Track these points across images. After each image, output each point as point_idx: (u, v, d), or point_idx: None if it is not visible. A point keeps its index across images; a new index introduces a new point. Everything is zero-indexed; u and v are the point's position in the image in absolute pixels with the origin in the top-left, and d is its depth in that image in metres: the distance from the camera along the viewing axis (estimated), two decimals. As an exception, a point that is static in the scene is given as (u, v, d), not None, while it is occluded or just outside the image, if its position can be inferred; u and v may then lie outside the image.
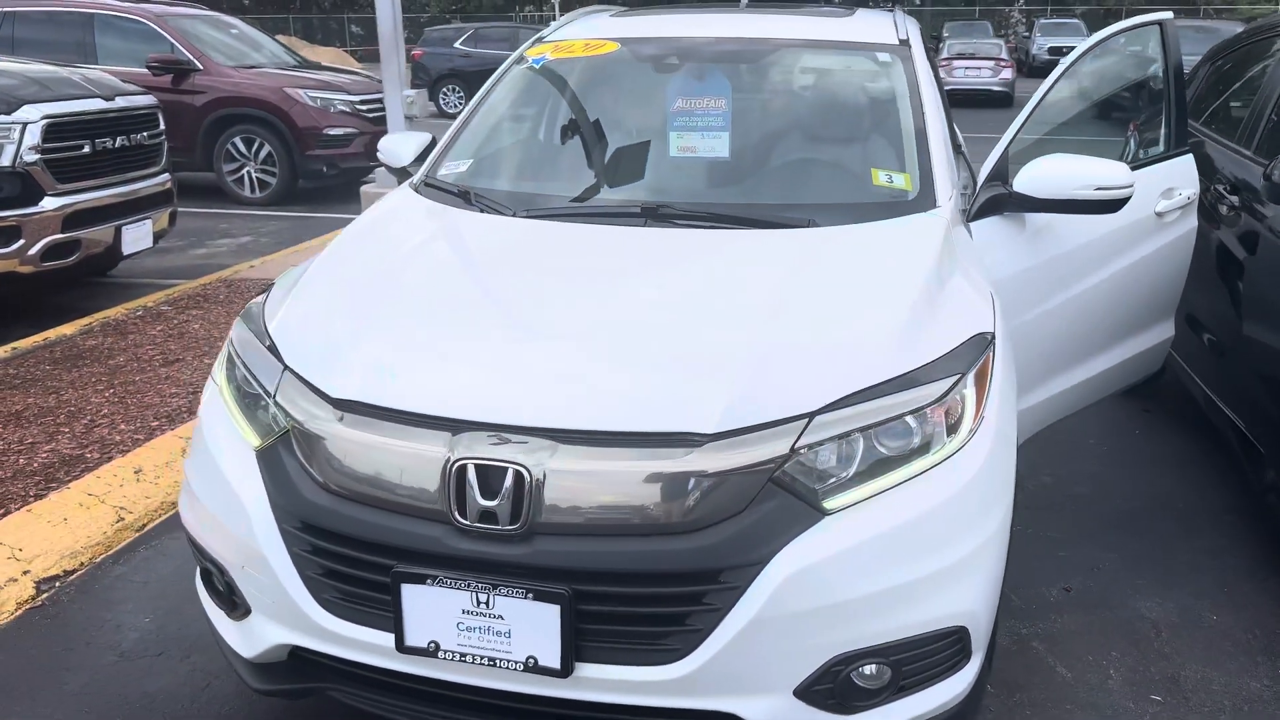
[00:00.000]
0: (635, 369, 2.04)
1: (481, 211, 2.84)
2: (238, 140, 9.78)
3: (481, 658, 1.93)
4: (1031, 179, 2.86)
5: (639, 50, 3.42)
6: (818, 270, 2.38)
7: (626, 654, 1.89)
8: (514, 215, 2.79)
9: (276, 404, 2.15)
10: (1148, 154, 3.58)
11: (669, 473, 1.87)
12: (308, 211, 9.67)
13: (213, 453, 2.24)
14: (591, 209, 2.81)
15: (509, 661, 1.92)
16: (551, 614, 1.87)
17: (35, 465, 3.82)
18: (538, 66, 3.47)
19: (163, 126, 6.55)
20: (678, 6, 4.10)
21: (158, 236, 6.49)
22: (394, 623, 1.96)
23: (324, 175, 9.96)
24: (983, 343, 2.21)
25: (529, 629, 1.89)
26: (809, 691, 1.91)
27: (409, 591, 1.93)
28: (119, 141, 6.00)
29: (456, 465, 1.90)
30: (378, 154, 3.54)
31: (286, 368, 2.20)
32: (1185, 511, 3.66)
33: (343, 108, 9.96)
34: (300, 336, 2.27)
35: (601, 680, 1.90)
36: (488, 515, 1.89)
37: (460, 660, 1.94)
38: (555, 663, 1.89)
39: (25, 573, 3.14)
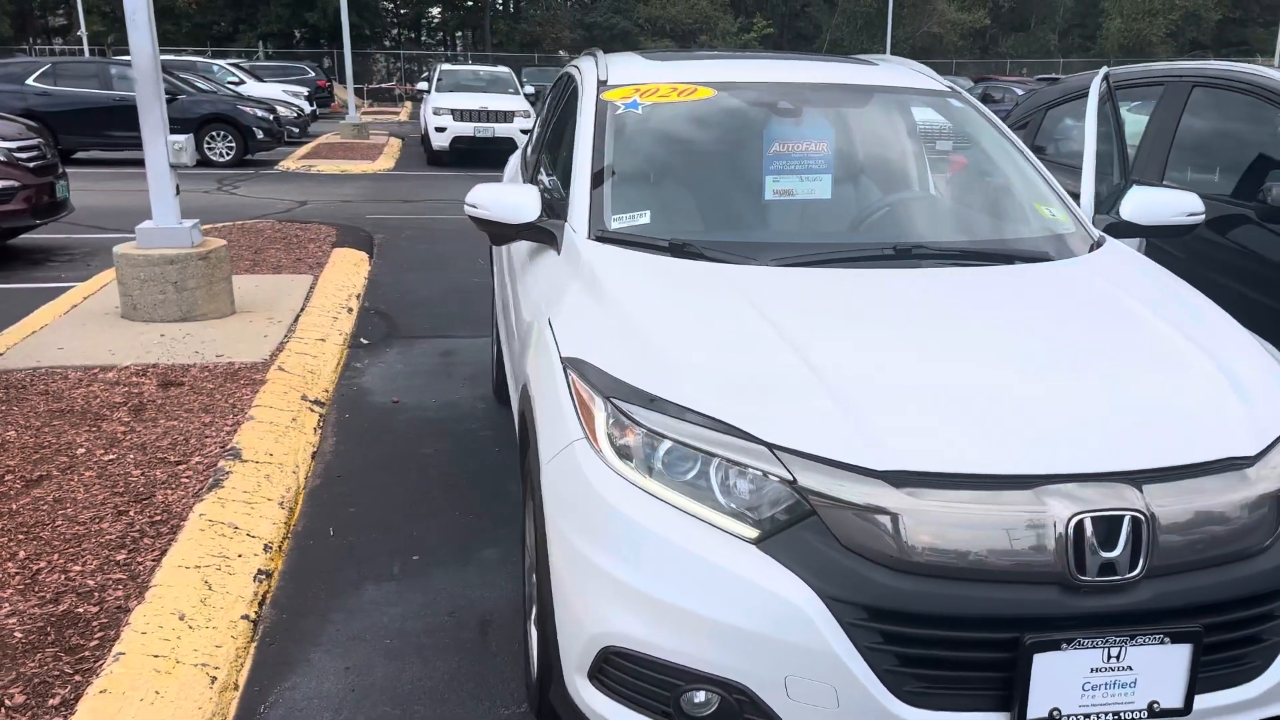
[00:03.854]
0: (1142, 404, 2.11)
1: (722, 263, 2.68)
2: None
3: (1106, 714, 1.89)
4: (1135, 208, 3.27)
5: (743, 95, 3.38)
6: (1133, 299, 2.58)
7: (1222, 679, 1.96)
8: (760, 264, 2.67)
9: (799, 489, 1.92)
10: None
11: (1244, 496, 1.98)
12: (-29, 283, 7.92)
13: (699, 556, 1.93)
14: (842, 253, 2.77)
15: (1132, 712, 1.90)
16: (1181, 654, 1.89)
17: (21, 636, 2.87)
18: (639, 111, 3.30)
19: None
20: (710, 53, 4.07)
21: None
22: (1017, 698, 1.86)
23: (-22, 238, 8.23)
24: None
25: (1154, 674, 1.90)
26: None
27: (1040, 660, 1.84)
28: None
29: (1075, 521, 1.85)
30: (471, 208, 3.13)
31: (775, 446, 1.96)
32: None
33: (-2, 156, 8.30)
34: (766, 414, 2.02)
35: (1210, 709, 1.95)
36: (1105, 567, 1.87)
37: None
38: (1178, 702, 1.91)
39: (171, 771, 2.39)
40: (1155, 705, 1.90)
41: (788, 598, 1.86)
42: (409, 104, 39.27)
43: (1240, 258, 4.11)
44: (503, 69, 20.86)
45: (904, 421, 2.00)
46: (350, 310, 7.11)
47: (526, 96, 19.19)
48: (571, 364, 2.34)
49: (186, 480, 3.97)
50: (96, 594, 3.11)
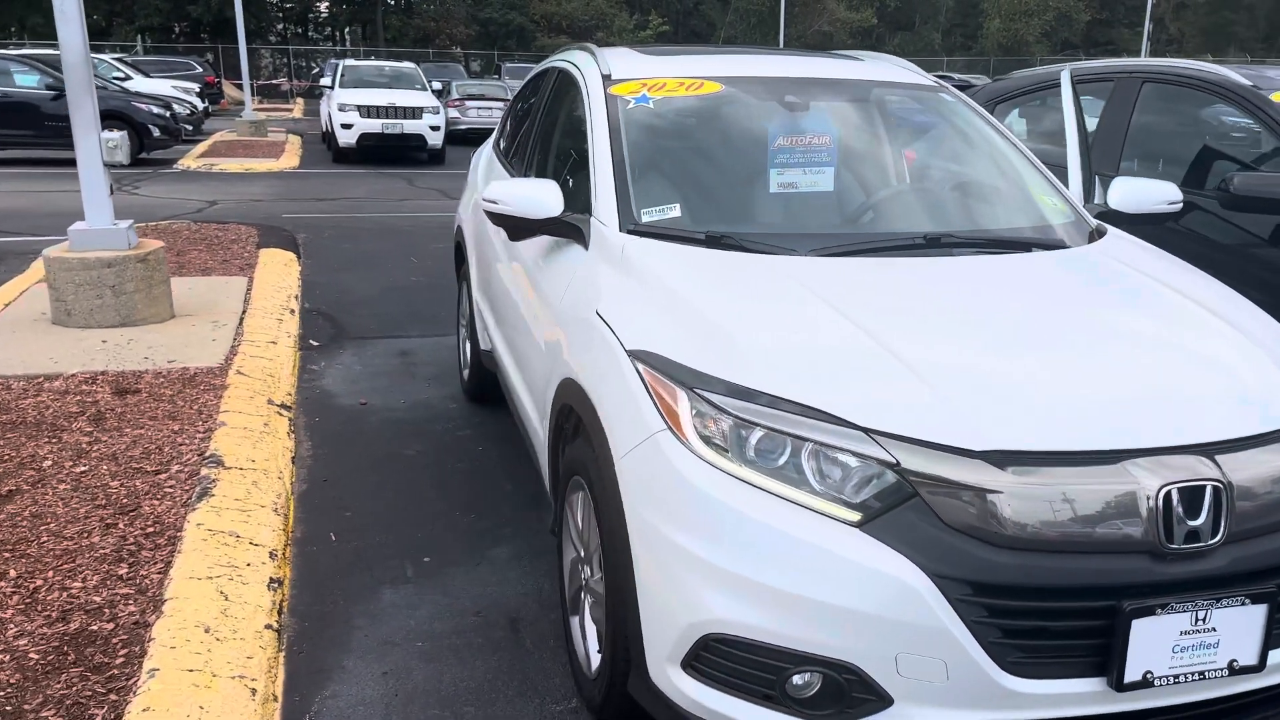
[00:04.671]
0: (1203, 379, 2.24)
1: (766, 254, 2.72)
2: None
3: (1192, 674, 1.99)
4: (1121, 197, 3.42)
5: (750, 90, 3.43)
6: (1158, 281, 2.72)
7: None
8: (801, 254, 2.73)
9: (901, 472, 1.97)
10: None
11: None
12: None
13: (803, 541, 1.97)
14: (877, 242, 2.84)
15: (1214, 671, 2.01)
16: (1258, 614, 2.01)
17: (38, 657, 2.73)
18: (650, 105, 3.31)
19: None
20: (704, 47, 4.09)
21: None
22: (1115, 662, 1.95)
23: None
24: None
25: (1234, 633, 2.01)
26: None
27: (1138, 625, 1.93)
28: None
29: (1164, 492, 1.95)
30: (491, 204, 3.10)
31: (873, 431, 2.01)
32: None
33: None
34: (858, 398, 2.07)
35: (1278, 664, 2.07)
36: (1190, 534, 1.97)
37: (1173, 683, 1.98)
38: (1254, 659, 2.03)
39: (234, 786, 2.31)
40: (1234, 663, 2.02)
41: (899, 577, 1.91)
42: (300, 100, 38.27)
43: (1196, 243, 4.34)
44: (407, 64, 20.50)
45: (991, 402, 2.08)
46: (292, 311, 6.92)
47: (435, 92, 18.92)
48: (639, 356, 2.34)
49: (171, 490, 3.82)
50: (107, 610, 2.97)
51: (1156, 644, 1.96)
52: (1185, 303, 2.58)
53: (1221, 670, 2.01)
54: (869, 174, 3.34)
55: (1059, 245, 2.97)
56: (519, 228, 3.12)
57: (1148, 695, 1.99)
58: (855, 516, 1.98)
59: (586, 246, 2.98)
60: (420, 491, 4.14)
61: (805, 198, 3.12)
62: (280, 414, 4.85)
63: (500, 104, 22.62)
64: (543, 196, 3.05)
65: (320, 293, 7.71)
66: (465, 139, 21.75)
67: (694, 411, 2.16)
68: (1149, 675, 1.97)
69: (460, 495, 4.10)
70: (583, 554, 2.71)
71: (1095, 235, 3.15)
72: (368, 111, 17.22)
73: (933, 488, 1.97)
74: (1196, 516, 1.98)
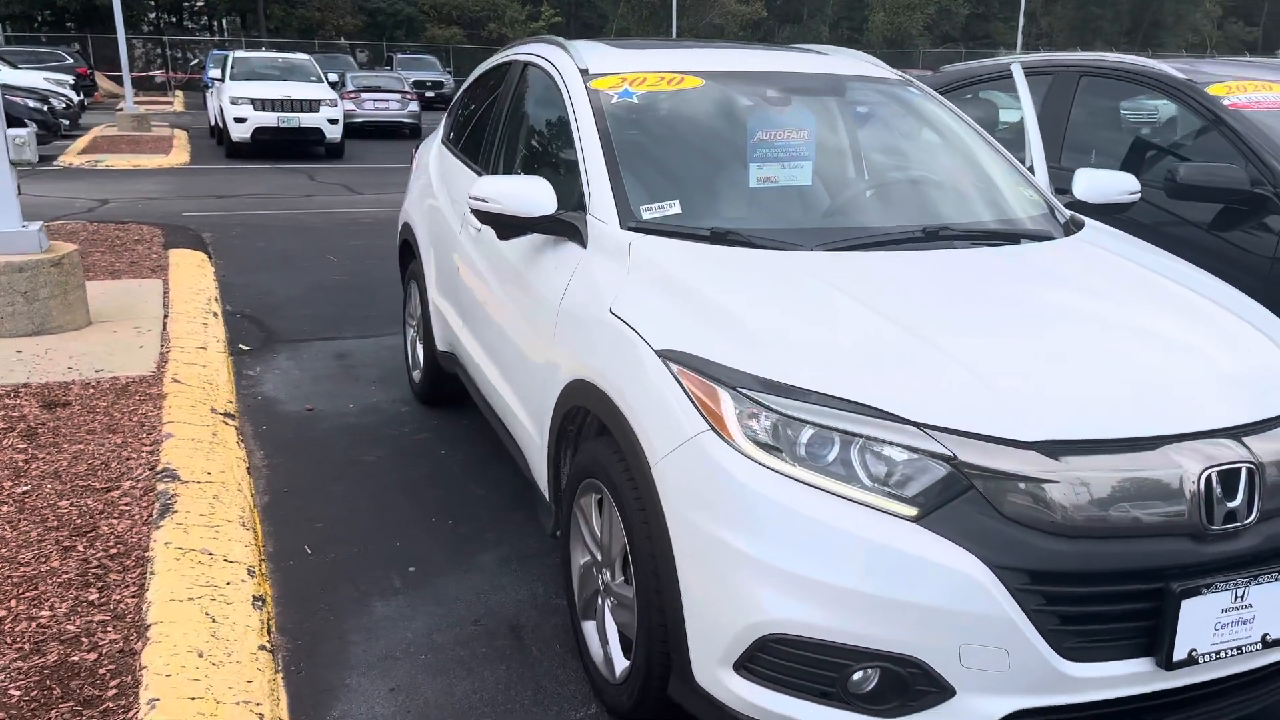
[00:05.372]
0: (1221, 364, 2.32)
1: (774, 250, 2.72)
2: None
3: (1231, 649, 2.07)
4: (1086, 188, 3.52)
5: (732, 85, 3.41)
6: (1150, 271, 2.82)
7: None
8: (808, 250, 2.73)
9: (957, 465, 1.99)
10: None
11: None
12: None
13: (862, 537, 1.98)
14: (877, 236, 2.87)
15: (1249, 645, 2.09)
16: None
17: (20, 694, 2.54)
18: (634, 100, 3.27)
19: None
20: (671, 41, 4.05)
21: None
22: (1165, 642, 2.01)
23: None
24: None
25: (1268, 608, 2.10)
26: None
27: (1187, 605, 1.99)
28: None
29: (1205, 475, 2.02)
30: (480, 203, 3.02)
31: (926, 426, 2.03)
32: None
33: None
34: (905, 393, 2.08)
35: None
36: (1228, 515, 2.05)
37: (1215, 659, 2.06)
38: None
39: (262, 819, 2.20)
40: (1267, 637, 2.10)
41: (961, 570, 1.93)
42: (180, 93, 36.78)
43: (1138, 230, 4.52)
44: (302, 56, 19.86)
45: (1036, 393, 2.11)
46: (215, 315, 6.63)
47: (332, 85, 18.41)
48: (671, 356, 2.31)
49: (127, 507, 3.61)
50: (85, 639, 2.80)
51: (1201, 622, 2.03)
52: (1184, 291, 2.68)
53: (1256, 644, 2.10)
54: (856, 167, 3.37)
55: (1046, 236, 3.04)
56: (510, 226, 3.04)
57: (1192, 672, 2.06)
58: (912, 511, 1.99)
59: (584, 245, 2.92)
60: (388, 499, 4.01)
61: (800, 192, 3.13)
62: (226, 423, 4.64)
63: (397, 95, 22.19)
64: (536, 194, 2.98)
65: (240, 295, 7.42)
66: (362, 132, 21.25)
67: (738, 411, 2.13)
68: (1194, 652, 2.03)
69: (431, 501, 3.99)
70: (599, 558, 2.67)
71: (1073, 226, 3.24)
72: (262, 105, 16.64)
73: (987, 479, 1.99)
74: (1233, 498, 2.06)
